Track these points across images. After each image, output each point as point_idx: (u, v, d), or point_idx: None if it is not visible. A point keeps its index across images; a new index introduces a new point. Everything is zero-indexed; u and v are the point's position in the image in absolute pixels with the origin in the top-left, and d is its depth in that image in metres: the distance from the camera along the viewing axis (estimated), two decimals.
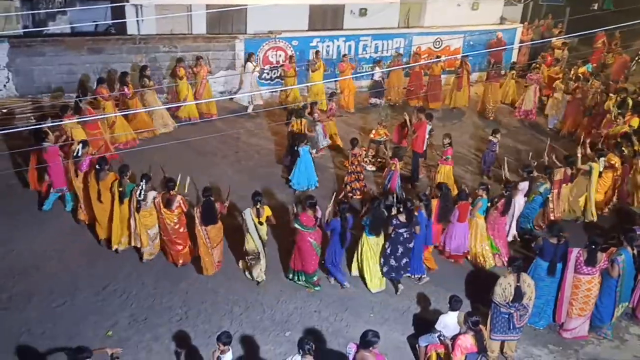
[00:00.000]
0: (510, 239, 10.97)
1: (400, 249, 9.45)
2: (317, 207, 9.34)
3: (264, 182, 12.53)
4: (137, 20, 15.90)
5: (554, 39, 20.69)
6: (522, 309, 8.11)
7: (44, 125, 10.99)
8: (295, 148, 12.22)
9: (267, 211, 9.43)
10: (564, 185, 11.56)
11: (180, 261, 9.90)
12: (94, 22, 17.46)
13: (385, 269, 9.58)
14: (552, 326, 9.22)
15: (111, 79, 14.69)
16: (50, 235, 10.46)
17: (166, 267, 9.90)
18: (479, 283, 9.80)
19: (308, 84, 16.48)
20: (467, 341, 7.21)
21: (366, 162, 13.34)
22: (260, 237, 9.44)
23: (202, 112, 15.43)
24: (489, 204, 10.55)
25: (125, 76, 13.93)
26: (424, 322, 8.83)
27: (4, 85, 14.75)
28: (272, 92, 17.40)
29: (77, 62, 15.21)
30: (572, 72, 17.97)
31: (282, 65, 17.05)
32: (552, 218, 11.48)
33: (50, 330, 8.39)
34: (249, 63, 15.97)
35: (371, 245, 9.58)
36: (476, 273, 10.36)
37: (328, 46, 17.92)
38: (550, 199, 11.45)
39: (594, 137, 14.09)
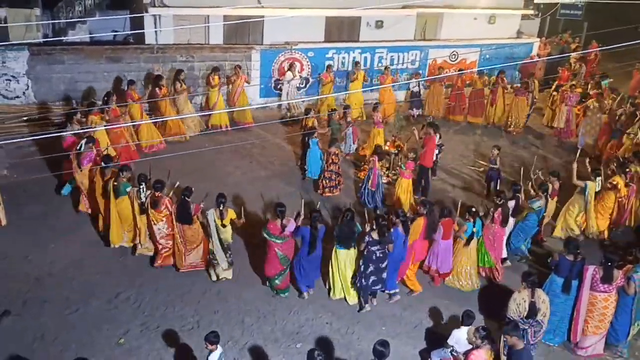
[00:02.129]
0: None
1: (371, 267, 9.13)
2: (288, 216, 9.30)
3: (276, 192, 12.57)
4: (155, 31, 16.09)
5: (573, 54, 20.61)
6: (537, 325, 8.03)
7: (63, 133, 11.26)
8: (307, 140, 12.96)
9: (231, 214, 9.57)
10: (550, 200, 11.11)
11: (160, 262, 10.02)
12: (113, 31, 17.70)
13: (357, 285, 9.36)
14: (567, 344, 9.08)
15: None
16: (65, 243, 10.54)
17: (179, 275, 9.93)
18: (493, 298, 9.71)
19: (320, 95, 16.61)
20: (481, 356, 7.13)
21: (337, 161, 12.74)
22: (220, 239, 9.57)
23: (235, 120, 15.90)
24: (480, 228, 10.10)
25: (160, 79, 14.51)
26: (437, 337, 8.75)
27: (23, 93, 14.96)
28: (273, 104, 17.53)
29: (95, 71, 15.42)
30: (589, 87, 17.83)
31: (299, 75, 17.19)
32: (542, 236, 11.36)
33: (63, 337, 8.42)
34: (289, 72, 16.79)
35: (341, 259, 9.36)
36: (490, 288, 10.25)
37: (344, 58, 17.99)
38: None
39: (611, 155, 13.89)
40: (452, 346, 7.94)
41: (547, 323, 8.23)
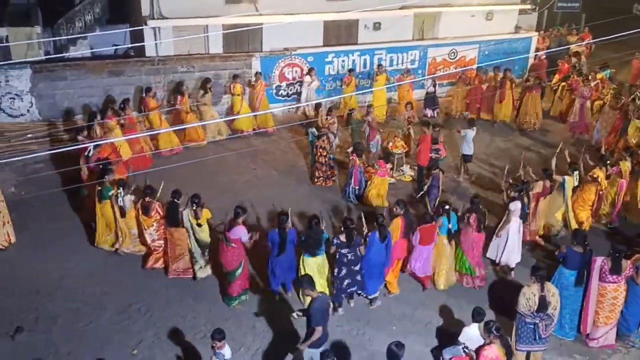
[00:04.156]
0: (512, 265, 10.44)
1: (344, 270, 9.14)
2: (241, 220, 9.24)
3: (280, 199, 12.64)
4: (155, 43, 16.22)
5: (572, 46, 20.62)
6: (548, 319, 8.02)
7: (72, 147, 11.43)
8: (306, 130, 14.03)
9: (206, 213, 9.69)
10: (542, 198, 10.98)
11: (151, 263, 10.30)
12: (114, 45, 17.81)
13: (334, 292, 9.30)
14: (578, 335, 9.08)
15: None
16: (76, 257, 10.61)
17: (190, 285, 9.99)
18: (503, 294, 9.72)
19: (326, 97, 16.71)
20: (493, 352, 7.13)
21: (325, 153, 13.28)
22: (197, 239, 9.72)
23: (257, 127, 16.30)
24: (454, 223, 10.01)
25: (181, 86, 15.09)
26: (448, 334, 8.77)
27: (28, 110, 15.07)
28: (289, 108, 17.60)
29: (98, 85, 15.53)
30: (589, 78, 17.82)
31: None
32: (527, 236, 10.95)
33: (76, 351, 8.50)
34: (307, 77, 17.05)
35: (310, 267, 9.18)
36: (499, 283, 10.26)
37: (343, 61, 18.08)
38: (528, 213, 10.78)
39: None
40: (464, 343, 7.93)
41: (557, 316, 8.23)
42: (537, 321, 8.00)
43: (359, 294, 9.62)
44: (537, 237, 11.34)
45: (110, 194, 10.32)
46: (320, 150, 13.18)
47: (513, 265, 10.46)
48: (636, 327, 8.87)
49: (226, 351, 7.22)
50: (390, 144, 14.11)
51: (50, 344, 8.58)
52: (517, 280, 10.12)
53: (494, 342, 7.14)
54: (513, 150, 15.74)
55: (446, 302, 9.73)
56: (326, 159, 13.29)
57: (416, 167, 13.47)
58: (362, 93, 17.50)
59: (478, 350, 7.29)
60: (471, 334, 7.86)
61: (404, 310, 9.55)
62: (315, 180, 13.43)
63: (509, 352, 7.23)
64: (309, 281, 7.74)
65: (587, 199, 11.59)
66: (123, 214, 10.29)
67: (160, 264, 10.32)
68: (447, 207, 10.00)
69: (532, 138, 16.68)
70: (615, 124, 15.29)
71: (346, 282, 9.22)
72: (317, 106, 15.44)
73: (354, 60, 18.16)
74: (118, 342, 8.67)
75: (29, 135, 14.42)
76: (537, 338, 8.11)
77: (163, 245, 10.23)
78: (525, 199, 10.56)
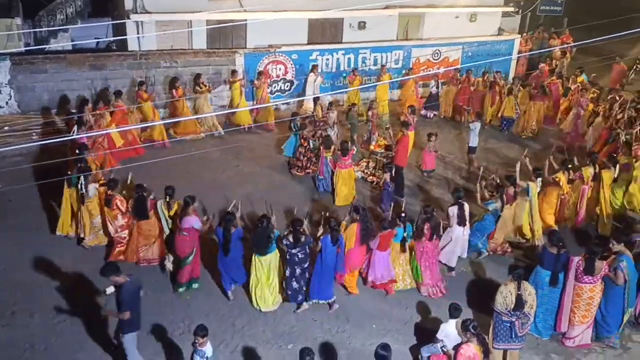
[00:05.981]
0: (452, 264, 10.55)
1: (298, 270, 9.10)
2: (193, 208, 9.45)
3: (268, 195, 12.63)
4: (138, 37, 16.09)
5: (556, 48, 20.85)
6: (524, 317, 8.10)
7: (52, 140, 11.26)
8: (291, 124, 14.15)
9: (177, 206, 9.85)
10: (507, 205, 10.88)
11: (116, 255, 10.24)
12: (96, 39, 17.63)
13: (288, 292, 9.24)
14: (555, 335, 9.19)
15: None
16: (53, 251, 10.48)
17: (166, 281, 9.94)
18: (480, 291, 9.81)
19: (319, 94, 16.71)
20: (470, 350, 7.19)
21: (307, 144, 13.68)
22: (170, 229, 10.01)
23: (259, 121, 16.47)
24: (410, 232, 9.95)
25: (176, 81, 15.19)
26: (426, 332, 8.82)
27: (6, 102, 14.88)
28: (291, 102, 17.71)
29: (78, 79, 15.36)
30: (570, 82, 18.03)
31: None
32: (491, 241, 11.03)
33: (52, 346, 8.41)
34: (311, 74, 17.21)
35: (259, 264, 9.16)
36: (477, 281, 10.35)
37: (327, 59, 18.09)
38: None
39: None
40: (442, 340, 7.99)
41: (533, 315, 8.34)
42: (514, 319, 8.07)
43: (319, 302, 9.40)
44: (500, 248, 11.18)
45: (77, 180, 10.38)
46: (303, 140, 13.44)
47: (453, 265, 10.54)
48: (617, 329, 8.96)
49: (208, 349, 7.16)
50: (373, 143, 14.16)
51: (27, 339, 8.48)
52: (494, 278, 10.24)
53: (471, 341, 7.20)
54: (493, 152, 15.92)
55: (424, 300, 9.79)
56: (305, 150, 13.54)
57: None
58: (362, 88, 17.59)
59: (456, 349, 7.36)
60: (449, 331, 7.93)
61: (382, 308, 9.59)
62: (293, 168, 13.67)
63: (486, 350, 7.30)
64: (111, 268, 7.70)
65: (550, 203, 11.65)
66: (83, 200, 10.31)
67: (122, 258, 10.17)
68: (403, 215, 9.92)
69: (518, 142, 16.66)
70: (602, 135, 15.11)
71: (295, 284, 9.15)
72: (316, 100, 15.61)
73: (338, 59, 18.20)
74: (96, 338, 8.59)
75: (6, 128, 14.24)
76: (513, 336, 8.18)
77: (127, 237, 10.24)
78: (499, 204, 10.66)
